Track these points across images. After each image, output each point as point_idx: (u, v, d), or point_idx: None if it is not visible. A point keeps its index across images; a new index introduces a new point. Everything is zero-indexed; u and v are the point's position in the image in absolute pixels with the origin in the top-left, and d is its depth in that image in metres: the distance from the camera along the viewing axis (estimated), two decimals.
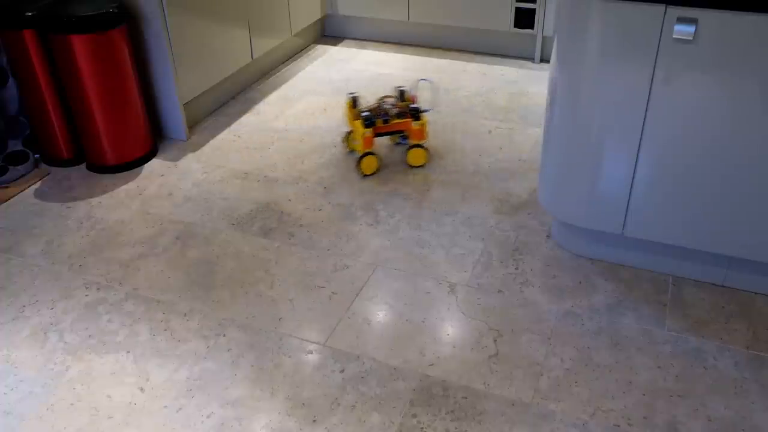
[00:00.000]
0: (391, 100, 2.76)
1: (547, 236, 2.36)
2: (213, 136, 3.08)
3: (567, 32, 1.91)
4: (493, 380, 1.82)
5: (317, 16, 3.97)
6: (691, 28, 1.71)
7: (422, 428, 1.69)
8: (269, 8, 3.46)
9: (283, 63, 3.84)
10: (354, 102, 2.77)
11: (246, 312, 2.07)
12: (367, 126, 2.63)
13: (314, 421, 1.72)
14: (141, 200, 2.62)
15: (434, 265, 2.24)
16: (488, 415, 1.72)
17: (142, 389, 1.82)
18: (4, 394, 1.82)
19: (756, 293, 2.09)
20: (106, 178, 2.77)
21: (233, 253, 2.32)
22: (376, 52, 3.95)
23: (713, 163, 1.87)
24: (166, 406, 1.77)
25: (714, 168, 1.88)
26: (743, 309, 2.03)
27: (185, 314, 2.07)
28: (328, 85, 3.55)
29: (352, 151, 2.87)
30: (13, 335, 2.01)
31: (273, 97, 3.43)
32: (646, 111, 1.87)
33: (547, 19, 3.59)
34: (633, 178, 1.99)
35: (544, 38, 3.69)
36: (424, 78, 3.52)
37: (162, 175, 2.78)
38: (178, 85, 2.92)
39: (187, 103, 3.03)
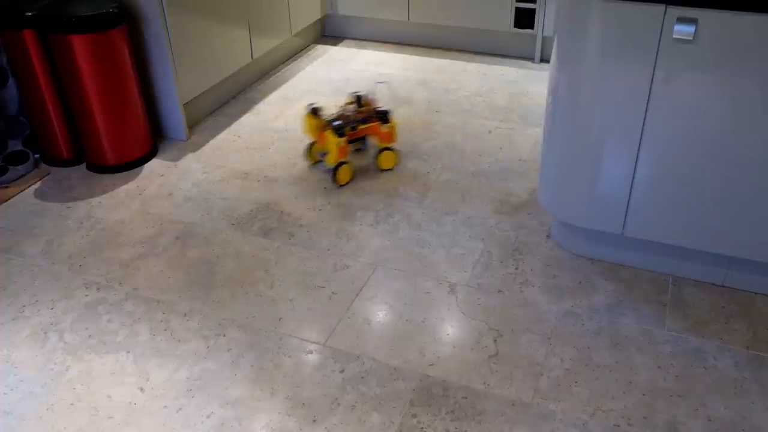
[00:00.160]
0: (352, 107, 2.72)
1: (547, 236, 2.36)
2: (213, 136, 3.08)
3: (567, 32, 1.91)
4: (493, 380, 1.82)
5: (317, 16, 3.97)
6: (691, 28, 1.71)
7: (422, 428, 1.69)
8: (269, 8, 3.46)
9: (283, 63, 3.84)
10: (315, 112, 2.69)
11: (246, 312, 2.07)
12: (340, 135, 2.58)
13: (314, 421, 1.72)
14: (141, 200, 2.62)
15: (434, 265, 2.24)
16: (488, 415, 1.72)
17: (142, 389, 1.82)
18: (4, 394, 1.82)
19: (756, 293, 2.09)
20: (106, 178, 2.77)
21: (233, 253, 2.32)
22: (376, 52, 3.95)
23: (713, 163, 1.87)
24: (166, 406, 1.77)
25: (714, 168, 1.88)
26: (743, 309, 2.03)
27: (185, 314, 2.07)
28: (328, 85, 3.55)
29: (315, 163, 2.81)
30: (13, 335, 2.01)
31: (273, 97, 3.43)
32: (646, 111, 1.87)
33: (547, 19, 3.59)
34: (633, 178, 1.99)
35: (544, 38, 3.69)
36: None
37: (162, 175, 2.78)
38: (178, 85, 2.92)
39: (187, 103, 3.03)
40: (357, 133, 2.67)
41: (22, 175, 2.79)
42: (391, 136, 2.71)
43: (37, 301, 2.14)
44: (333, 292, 2.14)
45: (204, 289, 2.16)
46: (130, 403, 1.78)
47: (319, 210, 2.53)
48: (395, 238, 2.37)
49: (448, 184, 2.67)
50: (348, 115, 2.67)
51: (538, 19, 3.60)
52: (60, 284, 2.20)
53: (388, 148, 2.73)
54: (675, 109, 1.84)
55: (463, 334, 1.97)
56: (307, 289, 2.16)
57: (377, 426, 1.70)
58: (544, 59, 3.75)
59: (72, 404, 1.78)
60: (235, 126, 3.16)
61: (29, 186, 2.74)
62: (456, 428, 1.69)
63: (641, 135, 1.91)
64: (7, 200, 2.65)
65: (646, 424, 1.69)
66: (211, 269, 2.25)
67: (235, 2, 3.17)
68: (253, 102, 3.39)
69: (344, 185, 2.66)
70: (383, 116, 2.69)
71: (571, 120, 2.00)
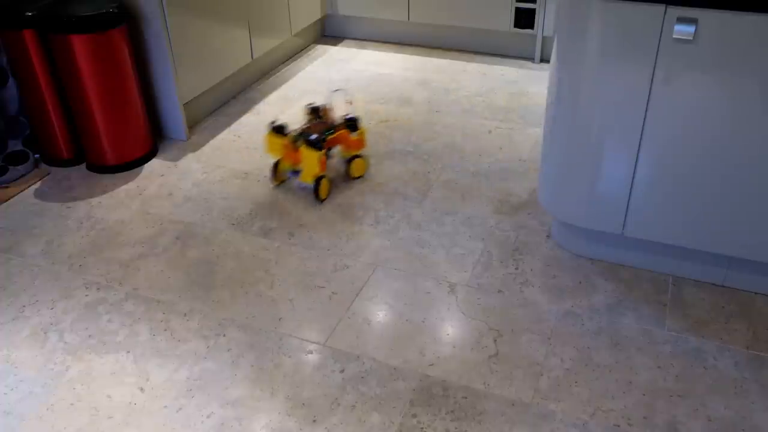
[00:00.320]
0: (314, 120, 2.62)
1: (547, 236, 2.36)
2: (213, 136, 3.08)
3: (567, 32, 1.91)
4: (493, 380, 1.82)
5: (317, 16, 3.97)
6: (691, 28, 1.71)
7: (422, 428, 1.69)
8: (269, 8, 3.46)
9: (283, 63, 3.84)
10: (279, 130, 2.57)
11: (246, 312, 2.07)
12: (318, 148, 2.47)
13: (314, 421, 1.72)
14: (141, 200, 2.62)
15: (434, 265, 2.24)
16: (488, 415, 1.72)
17: (142, 389, 1.82)
18: (4, 394, 1.82)
19: (756, 293, 2.09)
20: (106, 178, 2.77)
21: (233, 253, 2.32)
22: (376, 52, 3.95)
23: (713, 163, 1.87)
24: (166, 406, 1.77)
25: (714, 168, 1.88)
26: (743, 309, 2.03)
27: (185, 314, 2.07)
28: (328, 85, 3.55)
29: (281, 183, 2.68)
30: (13, 335, 2.01)
31: (273, 97, 3.43)
32: (646, 111, 1.87)
33: (547, 19, 3.59)
34: (633, 178, 1.99)
35: (544, 38, 3.69)
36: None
37: (162, 175, 2.78)
38: (178, 85, 2.92)
39: (187, 103, 3.03)
40: (327, 144, 2.57)
41: (22, 175, 2.79)
42: (361, 143, 2.65)
43: (37, 301, 2.14)
44: (333, 292, 2.14)
45: (204, 289, 2.16)
46: (130, 403, 1.78)
47: (319, 210, 2.53)
48: (395, 238, 2.37)
49: (448, 184, 2.67)
50: (318, 127, 2.58)
51: (538, 19, 3.60)
52: (60, 284, 2.20)
53: (358, 156, 2.66)
54: (675, 109, 1.84)
55: (463, 334, 1.97)
56: (307, 289, 2.16)
57: (377, 426, 1.70)
58: (544, 59, 3.75)
59: (72, 404, 1.78)
60: (235, 126, 3.16)
61: (29, 186, 2.74)
62: (456, 428, 1.69)
63: (641, 135, 1.91)
64: (7, 200, 2.65)
65: (646, 424, 1.69)
66: (211, 269, 2.25)
67: (235, 2, 3.17)
68: (253, 102, 3.39)
69: (325, 200, 2.57)
70: (352, 124, 2.63)
71: (571, 120, 2.00)
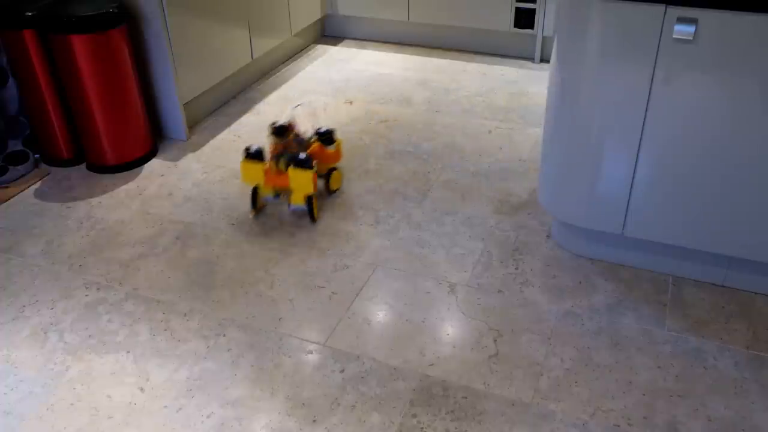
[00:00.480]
0: (282, 140, 2.46)
1: (547, 236, 2.36)
2: (213, 136, 3.08)
3: (567, 32, 1.91)
4: (493, 380, 1.82)
5: (317, 16, 3.97)
6: (691, 28, 1.71)
7: (422, 428, 1.69)
8: (269, 8, 3.46)
9: (283, 63, 3.84)
10: (257, 156, 2.43)
11: (246, 312, 2.07)
12: (309, 167, 2.36)
13: (314, 421, 1.72)
14: (141, 200, 2.62)
15: (434, 265, 2.24)
16: (488, 415, 1.72)
17: (142, 389, 1.82)
18: (4, 394, 1.82)
19: (756, 293, 2.09)
20: (106, 178, 2.77)
21: (233, 253, 2.32)
22: (376, 52, 3.95)
23: (713, 163, 1.87)
24: (166, 406, 1.77)
25: (714, 168, 1.88)
26: (743, 309, 2.03)
27: (185, 314, 2.07)
28: (328, 85, 3.55)
29: (261, 209, 2.54)
30: (13, 335, 2.01)
31: (273, 97, 3.43)
32: (646, 111, 1.87)
33: (547, 19, 3.59)
34: (633, 178, 1.99)
35: (544, 38, 3.69)
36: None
37: (162, 175, 2.78)
38: (178, 85, 2.92)
39: (187, 103, 3.03)
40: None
41: (22, 175, 2.79)
42: (338, 155, 2.57)
43: (37, 301, 2.14)
44: (333, 292, 2.14)
45: (204, 289, 2.16)
46: (130, 403, 1.78)
47: (319, 210, 2.53)
48: (395, 238, 2.37)
49: (448, 184, 2.67)
50: (293, 145, 2.46)
51: (538, 19, 3.60)
52: (60, 284, 2.20)
53: (334, 168, 2.59)
54: (675, 109, 1.84)
55: (463, 334, 1.97)
56: (307, 289, 2.16)
57: (377, 426, 1.70)
58: (544, 59, 3.75)
59: (72, 404, 1.78)
60: (235, 126, 3.16)
61: (29, 186, 2.74)
62: (456, 428, 1.69)
63: (641, 135, 1.91)
64: (7, 200, 2.65)
65: (646, 424, 1.69)
66: (211, 269, 2.25)
67: (235, 2, 3.17)
68: (253, 102, 3.39)
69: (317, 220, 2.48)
70: (328, 137, 2.52)
71: (571, 120, 2.00)
